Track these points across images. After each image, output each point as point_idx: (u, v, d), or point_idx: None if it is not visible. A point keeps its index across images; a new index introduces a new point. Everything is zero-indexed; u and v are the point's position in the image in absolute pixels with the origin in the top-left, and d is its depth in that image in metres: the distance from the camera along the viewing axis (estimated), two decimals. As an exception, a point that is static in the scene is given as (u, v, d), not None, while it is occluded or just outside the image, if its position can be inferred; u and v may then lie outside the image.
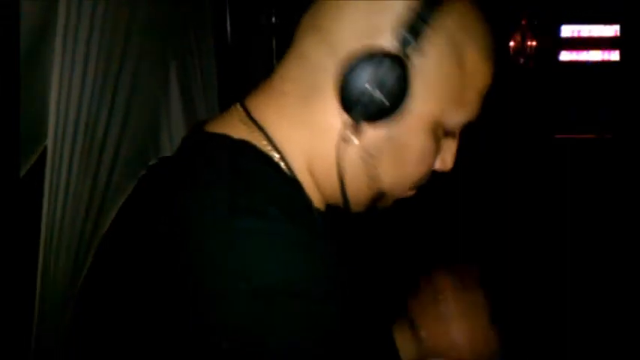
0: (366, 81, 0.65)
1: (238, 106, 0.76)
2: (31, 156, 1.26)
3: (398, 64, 0.65)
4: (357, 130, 0.69)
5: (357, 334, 0.70)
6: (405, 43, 0.66)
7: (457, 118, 0.72)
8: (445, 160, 0.79)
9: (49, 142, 1.26)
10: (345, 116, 0.68)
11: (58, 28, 1.26)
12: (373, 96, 0.66)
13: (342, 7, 0.69)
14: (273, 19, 2.71)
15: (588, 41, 4.96)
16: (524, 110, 4.41)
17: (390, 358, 0.88)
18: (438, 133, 0.73)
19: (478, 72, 0.71)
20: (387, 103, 0.66)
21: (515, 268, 2.97)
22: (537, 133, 4.46)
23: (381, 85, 0.65)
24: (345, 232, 0.81)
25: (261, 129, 0.72)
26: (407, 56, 0.66)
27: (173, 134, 1.93)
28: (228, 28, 2.39)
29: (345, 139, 0.70)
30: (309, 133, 0.72)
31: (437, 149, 0.75)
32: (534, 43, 4.76)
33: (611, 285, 2.87)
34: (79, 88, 1.33)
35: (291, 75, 0.72)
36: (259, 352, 0.61)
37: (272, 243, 0.63)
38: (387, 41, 0.66)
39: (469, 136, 0.84)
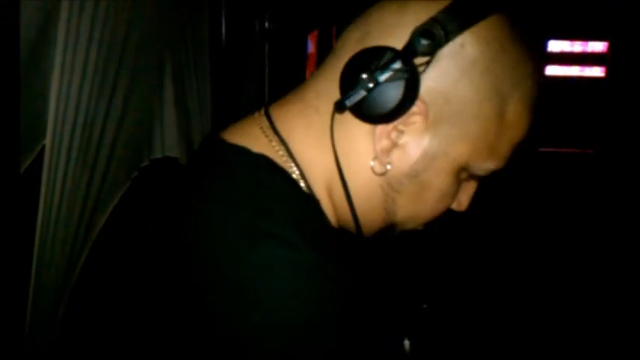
0: (362, 70, 0.63)
1: (262, 114, 0.74)
2: (29, 154, 1.27)
3: (399, 64, 0.63)
4: (385, 160, 0.68)
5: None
6: (413, 50, 0.63)
7: (485, 165, 0.70)
8: (461, 201, 0.77)
9: (48, 140, 1.28)
10: (378, 145, 0.67)
11: (59, 30, 1.28)
12: (366, 86, 0.63)
13: (385, 15, 0.67)
14: (267, 25, 2.73)
15: (575, 57, 5.01)
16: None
17: None
18: (462, 176, 0.71)
19: (517, 125, 0.69)
20: (379, 100, 0.63)
21: (500, 279, 3.01)
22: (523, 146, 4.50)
23: (376, 79, 0.63)
24: (356, 252, 0.81)
25: (283, 142, 0.71)
26: (413, 63, 0.63)
27: (166, 136, 1.94)
28: (223, 33, 2.41)
29: (372, 168, 0.68)
30: (337, 156, 0.70)
31: (457, 191, 0.73)
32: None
33: (596, 293, 2.92)
34: (77, 89, 1.34)
35: (328, 93, 0.69)
36: None
37: (293, 275, 0.61)
38: (399, 42, 0.64)
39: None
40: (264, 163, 0.69)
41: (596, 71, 4.98)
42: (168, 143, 1.92)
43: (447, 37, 0.64)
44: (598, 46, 4.94)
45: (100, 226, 1.51)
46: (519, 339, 2.57)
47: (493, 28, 0.66)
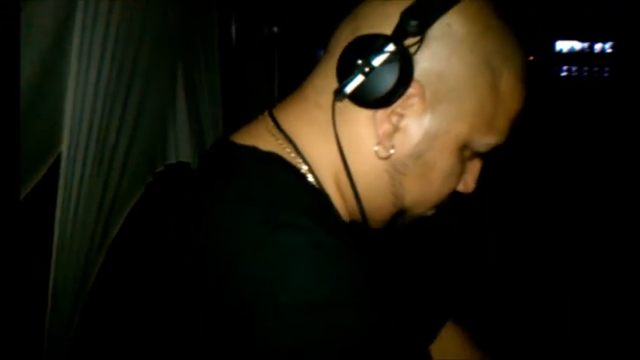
0: (357, 56, 0.66)
1: (267, 115, 0.76)
2: (46, 161, 1.28)
3: (392, 47, 0.65)
4: (388, 144, 0.69)
5: (393, 343, 0.69)
6: (403, 32, 0.65)
7: (485, 141, 0.72)
8: (467, 182, 0.78)
9: (64, 148, 1.29)
10: (380, 130, 0.69)
11: (74, 40, 1.29)
12: (362, 70, 0.65)
13: (374, 7, 0.69)
14: (276, 29, 2.75)
15: (582, 56, 5.01)
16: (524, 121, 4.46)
17: None
18: (465, 154, 0.73)
19: (512, 97, 0.71)
20: (376, 85, 0.65)
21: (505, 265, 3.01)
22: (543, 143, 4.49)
23: (370, 63, 0.65)
24: (368, 246, 0.81)
25: (290, 141, 0.72)
26: (404, 45, 0.65)
27: (179, 143, 1.96)
28: (234, 38, 2.43)
29: (376, 153, 0.70)
30: (341, 146, 0.71)
31: (462, 171, 0.75)
32: (531, 58, 4.82)
33: (596, 279, 2.92)
34: (92, 96, 1.36)
35: (327, 87, 0.71)
36: None
37: (314, 256, 0.63)
38: (389, 28, 0.66)
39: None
40: (274, 160, 0.71)
41: (605, 70, 4.99)
42: (181, 149, 1.93)
43: (434, 17, 0.66)
44: (602, 47, 4.96)
45: (115, 232, 1.52)
46: (525, 326, 2.57)
47: (477, 7, 0.69)
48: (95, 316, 1.36)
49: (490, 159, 0.76)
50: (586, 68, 5.00)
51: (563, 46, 5.01)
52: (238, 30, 2.46)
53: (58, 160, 1.31)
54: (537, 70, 4.91)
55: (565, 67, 5.03)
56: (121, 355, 1.19)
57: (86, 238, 1.40)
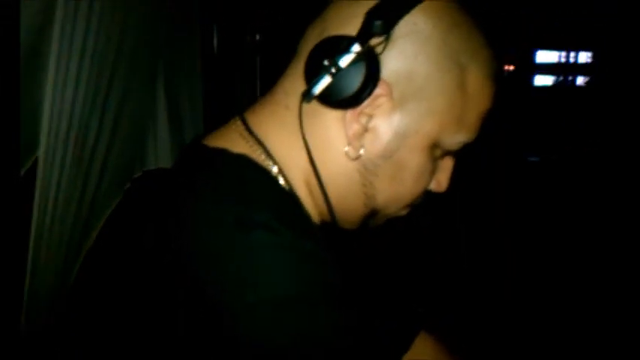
0: (324, 57, 0.66)
1: (238, 119, 0.77)
2: (24, 164, 1.27)
3: (358, 47, 0.65)
4: (358, 145, 0.70)
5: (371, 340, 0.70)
6: (368, 32, 0.66)
7: (456, 139, 0.72)
8: (440, 181, 0.79)
9: (41, 151, 1.28)
10: (349, 131, 0.69)
11: (52, 43, 1.28)
12: (329, 71, 0.66)
13: (341, 9, 0.70)
14: (258, 37, 2.76)
15: (562, 67, 5.06)
16: (497, 132, 4.49)
17: None
18: (436, 153, 0.73)
19: (480, 94, 0.72)
20: (343, 85, 0.66)
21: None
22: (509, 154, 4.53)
23: (337, 63, 0.66)
24: (341, 248, 0.81)
25: (260, 143, 0.73)
26: (369, 45, 0.66)
27: (158, 149, 1.95)
28: (215, 46, 2.43)
29: (346, 153, 0.71)
30: (310, 148, 0.71)
31: (433, 169, 0.75)
32: (511, 68, 4.86)
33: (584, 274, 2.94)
34: (71, 102, 1.35)
35: (295, 89, 0.72)
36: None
37: (283, 255, 0.63)
38: (355, 29, 0.67)
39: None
40: (244, 162, 0.71)
41: (584, 80, 5.04)
42: (161, 154, 1.92)
43: (399, 15, 0.67)
44: (582, 57, 5.01)
45: (93, 236, 1.51)
46: (501, 329, 2.59)
47: (443, 4, 0.70)
48: (72, 320, 1.35)
49: (467, 161, 0.77)
50: (567, 78, 5.05)
51: (542, 56, 5.06)
52: (220, 36, 2.46)
53: (35, 164, 1.29)
54: (516, 80, 4.95)
55: (544, 77, 5.08)
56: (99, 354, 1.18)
57: (63, 242, 1.38)
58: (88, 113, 1.43)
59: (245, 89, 2.69)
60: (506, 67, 4.86)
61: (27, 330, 1.27)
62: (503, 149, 4.14)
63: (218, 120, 0.79)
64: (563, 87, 5.05)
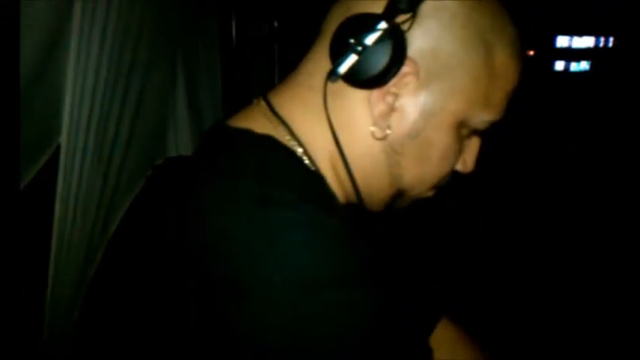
0: (349, 36, 0.65)
1: (261, 100, 0.75)
2: (45, 152, 1.28)
3: (384, 24, 0.64)
4: (384, 125, 0.69)
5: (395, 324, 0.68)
6: (394, 10, 0.65)
7: (482, 117, 0.71)
8: (467, 161, 0.78)
9: (63, 140, 1.29)
10: (375, 111, 0.68)
11: (72, 30, 1.28)
12: (355, 50, 0.65)
13: None
14: (275, 24, 2.75)
15: (582, 52, 4.99)
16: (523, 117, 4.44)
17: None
18: (462, 132, 0.72)
19: (506, 73, 0.71)
20: (369, 64, 0.65)
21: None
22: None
23: (363, 42, 0.64)
24: (366, 229, 0.80)
25: (284, 123, 0.72)
26: (396, 23, 0.65)
27: (179, 137, 1.96)
28: (234, 32, 2.42)
29: (372, 134, 0.70)
30: (335, 128, 0.71)
31: (460, 149, 0.74)
32: (531, 53, 4.80)
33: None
34: (91, 90, 1.35)
35: (319, 70, 0.71)
36: (310, 344, 0.59)
37: (308, 234, 0.62)
38: (381, 7, 0.65)
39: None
40: (269, 142, 0.70)
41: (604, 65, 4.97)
42: (181, 142, 1.93)
43: None
44: (602, 42, 4.93)
45: (115, 224, 1.52)
46: (521, 318, 2.57)
47: None
48: (94, 312, 1.36)
49: (491, 147, 0.76)
50: (587, 63, 4.99)
51: (563, 41, 5.00)
52: (238, 24, 2.45)
53: (57, 152, 1.30)
54: (537, 65, 4.89)
55: (564, 63, 5.02)
56: (121, 349, 1.18)
57: (86, 230, 1.39)
58: (108, 103, 1.43)
59: (263, 77, 2.68)
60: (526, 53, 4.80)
61: (50, 323, 1.28)
62: (523, 134, 4.09)
63: (237, 108, 0.78)
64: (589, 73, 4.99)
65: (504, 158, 3.90)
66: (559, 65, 5.00)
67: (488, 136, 0.77)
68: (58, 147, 1.29)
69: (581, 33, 4.95)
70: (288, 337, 0.58)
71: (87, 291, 1.40)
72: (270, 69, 2.73)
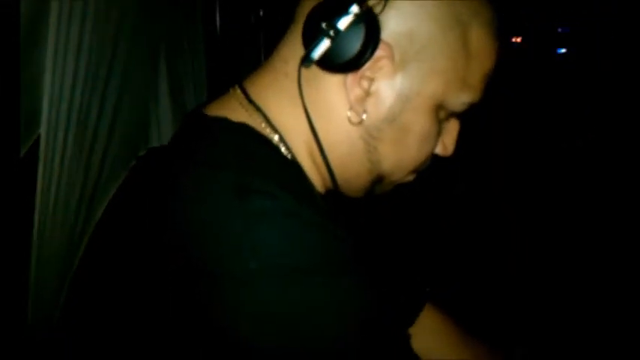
0: (321, 20, 0.64)
1: (237, 88, 0.75)
2: (24, 143, 1.26)
3: (356, 8, 0.64)
4: (360, 110, 0.68)
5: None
6: None
7: (461, 99, 0.71)
8: (446, 144, 0.77)
9: (43, 131, 1.27)
10: (351, 96, 0.67)
11: (50, 21, 1.26)
12: (328, 34, 0.64)
13: None
14: (261, 13, 2.73)
15: (583, 37, 4.97)
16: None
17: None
18: (440, 115, 0.72)
19: (483, 53, 0.70)
20: (342, 48, 0.64)
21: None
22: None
23: (335, 26, 0.64)
24: (346, 217, 0.80)
25: (259, 111, 0.71)
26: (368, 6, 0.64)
27: (162, 128, 1.94)
28: (218, 24, 2.40)
29: (348, 119, 0.69)
30: (312, 115, 0.70)
31: (438, 132, 0.74)
32: (518, 40, 4.79)
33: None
34: (71, 81, 1.33)
35: (294, 56, 0.70)
36: (288, 332, 0.58)
37: (286, 222, 0.61)
38: None
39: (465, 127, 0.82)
40: (245, 130, 0.69)
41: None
42: (164, 133, 1.91)
43: None
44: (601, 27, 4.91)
45: (98, 216, 1.50)
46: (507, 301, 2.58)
47: None
48: (78, 303, 1.34)
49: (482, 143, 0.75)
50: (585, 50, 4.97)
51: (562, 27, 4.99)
52: (222, 14, 2.43)
53: (37, 143, 1.28)
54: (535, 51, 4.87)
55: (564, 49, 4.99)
56: (104, 340, 1.17)
57: (69, 222, 1.38)
58: (89, 93, 1.41)
59: (249, 67, 2.66)
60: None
61: (34, 315, 1.27)
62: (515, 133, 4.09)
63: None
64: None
65: (492, 152, 3.91)
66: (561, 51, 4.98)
67: (482, 133, 0.76)
68: (38, 138, 1.28)
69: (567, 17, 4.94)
70: (266, 328, 0.57)
71: (71, 282, 1.38)
72: (257, 59, 2.71)
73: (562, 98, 4.61)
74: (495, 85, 0.74)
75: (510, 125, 4.32)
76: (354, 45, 0.64)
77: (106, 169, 1.54)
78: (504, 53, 0.74)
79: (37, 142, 1.29)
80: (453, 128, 0.78)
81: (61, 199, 1.33)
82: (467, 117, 0.76)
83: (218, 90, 0.79)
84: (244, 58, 2.63)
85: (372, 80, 0.68)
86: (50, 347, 1.31)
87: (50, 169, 1.29)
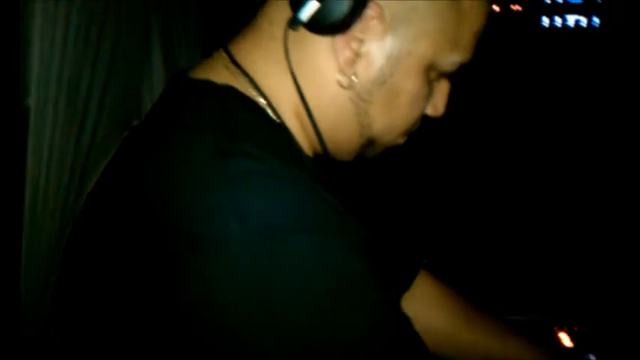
0: None
1: (222, 51, 0.73)
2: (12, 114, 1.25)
3: None
4: (350, 72, 0.67)
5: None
6: None
7: (451, 59, 0.70)
8: (437, 105, 0.77)
9: (32, 101, 1.25)
10: (340, 58, 0.66)
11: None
12: None
13: None
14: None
15: (570, 7, 4.92)
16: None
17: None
18: (431, 75, 0.71)
19: (474, 12, 0.69)
20: (331, 9, 0.63)
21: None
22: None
23: None
24: (336, 182, 0.79)
25: (245, 74, 0.70)
26: None
27: (155, 98, 1.91)
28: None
29: (338, 82, 0.68)
30: (299, 78, 0.69)
31: (429, 93, 0.73)
32: (519, 8, 4.73)
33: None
34: (61, 48, 1.31)
35: (280, 17, 0.68)
36: (274, 291, 0.55)
37: (271, 183, 0.59)
38: None
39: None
40: (230, 93, 0.68)
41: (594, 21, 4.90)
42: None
43: None
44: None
45: (90, 187, 1.49)
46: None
47: None
48: (69, 279, 1.34)
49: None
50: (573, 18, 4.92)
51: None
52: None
53: (26, 115, 1.27)
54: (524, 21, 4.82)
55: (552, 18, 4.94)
56: (93, 315, 1.16)
57: (60, 195, 1.36)
58: (79, 63, 1.39)
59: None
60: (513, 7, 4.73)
61: (26, 291, 1.26)
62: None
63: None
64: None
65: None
66: (546, 21, 4.93)
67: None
68: (27, 109, 1.26)
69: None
70: (246, 296, 0.55)
71: (62, 256, 1.38)
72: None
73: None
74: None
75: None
76: (343, 5, 0.63)
77: (98, 142, 1.52)
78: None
79: (26, 115, 1.27)
80: (443, 88, 0.77)
81: (52, 172, 1.32)
82: (458, 78, 0.75)
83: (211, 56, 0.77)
84: (239, 27, 2.59)
85: (361, 42, 0.66)
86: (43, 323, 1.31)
87: (40, 141, 1.28)
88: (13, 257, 1.25)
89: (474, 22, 0.69)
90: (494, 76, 4.10)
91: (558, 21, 4.89)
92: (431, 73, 0.71)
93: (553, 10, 4.90)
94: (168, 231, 0.58)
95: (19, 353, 1.27)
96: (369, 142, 0.75)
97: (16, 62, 1.10)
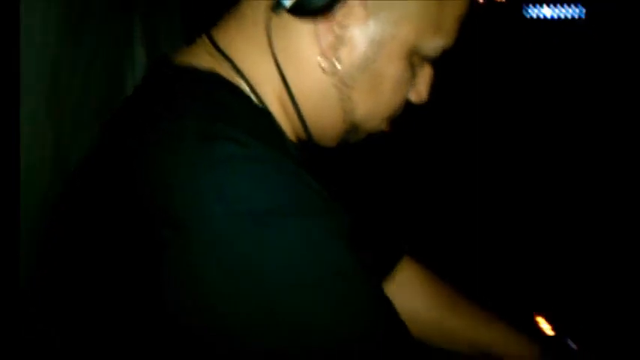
0: None
1: (204, 36, 0.74)
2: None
3: None
4: (332, 57, 0.68)
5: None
6: None
7: (434, 44, 0.70)
8: (420, 90, 0.78)
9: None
10: (323, 44, 0.67)
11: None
12: None
13: None
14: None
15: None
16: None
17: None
18: (414, 60, 0.71)
19: None
20: None
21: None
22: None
23: None
24: (319, 168, 0.79)
25: (228, 59, 0.70)
26: None
27: (138, 80, 1.90)
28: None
29: (321, 68, 0.68)
30: (282, 63, 0.69)
31: (412, 78, 0.74)
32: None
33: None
34: (42, 31, 1.29)
35: (265, 3, 0.69)
36: (254, 276, 0.55)
37: (255, 167, 0.59)
38: None
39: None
40: (213, 78, 0.68)
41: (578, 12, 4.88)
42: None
43: None
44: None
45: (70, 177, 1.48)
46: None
47: None
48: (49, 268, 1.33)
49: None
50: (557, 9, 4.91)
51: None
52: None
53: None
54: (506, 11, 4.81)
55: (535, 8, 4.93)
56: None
57: (44, 180, 1.35)
58: (61, 45, 1.37)
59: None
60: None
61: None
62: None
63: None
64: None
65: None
66: (528, 11, 4.93)
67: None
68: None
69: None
70: (230, 279, 0.55)
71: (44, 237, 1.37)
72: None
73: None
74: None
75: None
76: None
77: (81, 126, 1.51)
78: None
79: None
80: (426, 74, 0.77)
81: (33, 165, 1.31)
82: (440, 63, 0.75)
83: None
84: (223, 11, 2.58)
85: (344, 27, 0.67)
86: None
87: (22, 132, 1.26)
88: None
89: (456, 6, 0.70)
90: (478, 66, 4.11)
91: (543, 11, 4.88)
92: (414, 57, 0.71)
93: (537, 0, 4.89)
94: (154, 217, 0.58)
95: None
96: (353, 128, 0.75)
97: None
